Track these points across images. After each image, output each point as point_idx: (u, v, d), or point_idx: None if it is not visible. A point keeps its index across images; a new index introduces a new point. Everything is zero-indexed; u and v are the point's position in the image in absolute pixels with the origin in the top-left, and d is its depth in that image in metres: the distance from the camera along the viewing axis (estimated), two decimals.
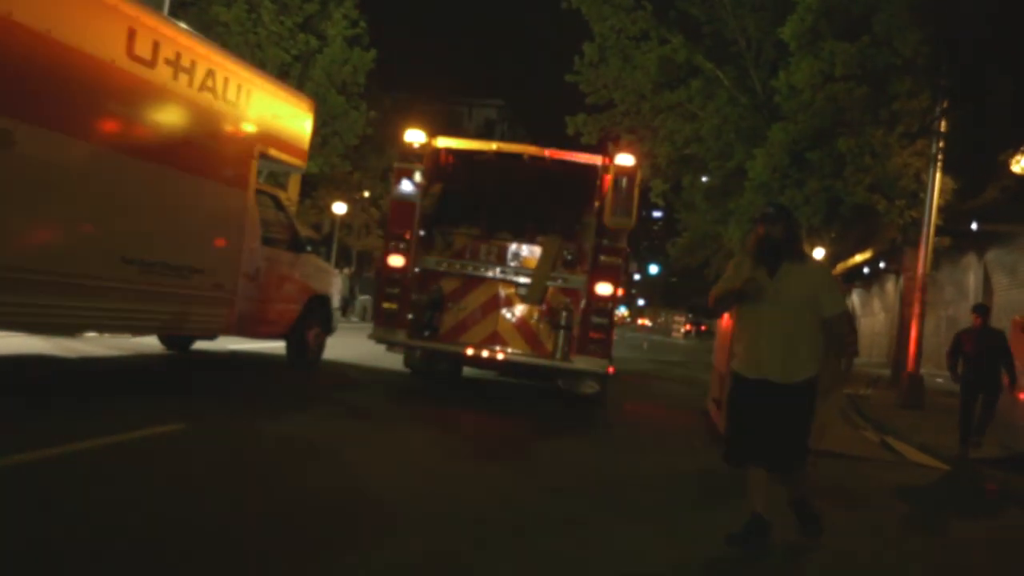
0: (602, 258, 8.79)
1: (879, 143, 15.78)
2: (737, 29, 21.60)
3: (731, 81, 21.86)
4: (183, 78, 6.33)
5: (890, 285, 36.73)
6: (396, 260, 8.72)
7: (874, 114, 16.38)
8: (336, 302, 10.05)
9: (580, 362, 8.63)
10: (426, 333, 8.70)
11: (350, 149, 28.65)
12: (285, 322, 8.73)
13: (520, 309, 8.95)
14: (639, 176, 9.06)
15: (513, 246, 9.17)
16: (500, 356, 8.65)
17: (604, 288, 8.69)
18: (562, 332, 8.66)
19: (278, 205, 8.73)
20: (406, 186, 8.85)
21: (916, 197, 15.25)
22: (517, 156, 9.50)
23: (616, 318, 9.67)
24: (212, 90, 6.73)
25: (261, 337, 8.93)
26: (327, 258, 33.14)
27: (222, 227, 7.18)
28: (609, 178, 8.67)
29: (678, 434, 9.02)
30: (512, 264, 9.11)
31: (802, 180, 17.17)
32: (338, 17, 23.38)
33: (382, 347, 8.97)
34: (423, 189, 8.89)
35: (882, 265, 32.02)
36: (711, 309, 4.68)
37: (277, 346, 9.52)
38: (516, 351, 8.77)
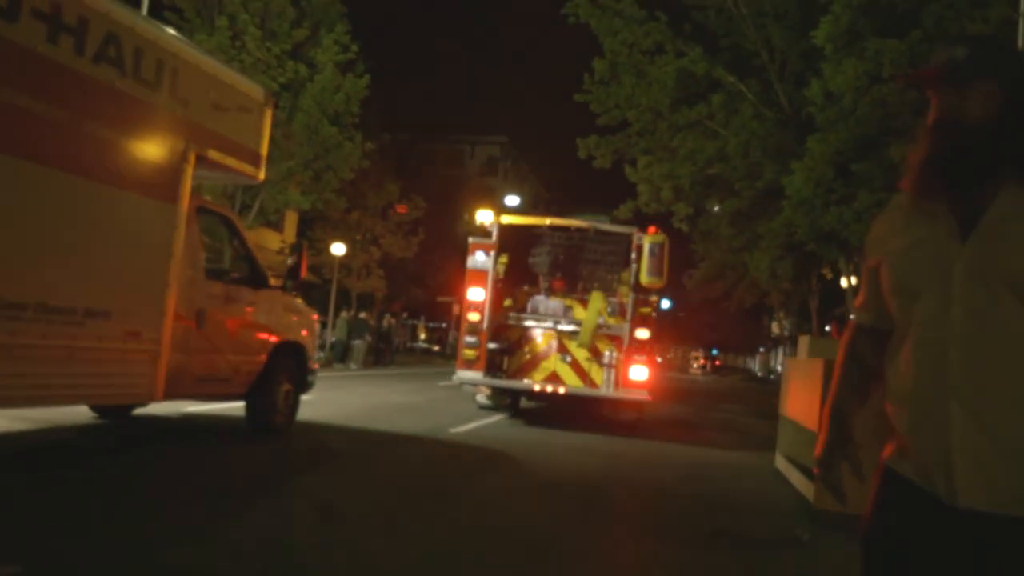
0: (640, 309, 11.03)
1: None
2: (759, 40, 19.87)
3: (755, 95, 20.10)
4: (66, 41, 4.45)
5: None
6: (474, 316, 11.07)
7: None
8: (314, 351, 8.04)
9: (624, 393, 10.79)
10: (498, 373, 11.00)
11: (346, 184, 26.95)
12: (242, 379, 6.74)
13: (574, 352, 11.04)
14: (667, 246, 11.02)
15: (567, 300, 11.43)
16: (561, 390, 10.80)
17: (642, 333, 10.92)
18: (608, 367, 10.90)
19: (231, 229, 6.78)
20: (480, 256, 11.26)
21: None
22: (566, 228, 12.05)
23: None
24: (117, 64, 4.84)
25: (208, 399, 6.97)
26: (325, 301, 31.25)
27: (139, 254, 5.19)
28: (643, 246, 10.88)
29: (770, 514, 6.93)
30: (568, 315, 11.30)
31: (850, 195, 15.21)
32: (328, 43, 21.79)
33: (378, 402, 10.36)
34: (493, 259, 11.23)
35: None
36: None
37: None
38: (572, 386, 10.89)
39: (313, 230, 31.81)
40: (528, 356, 11.14)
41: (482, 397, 11.87)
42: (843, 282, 29.17)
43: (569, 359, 11.03)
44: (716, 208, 30.23)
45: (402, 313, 39.93)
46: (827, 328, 11.69)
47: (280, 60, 20.90)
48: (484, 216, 11.57)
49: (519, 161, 71.53)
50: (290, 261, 7.09)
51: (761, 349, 69.15)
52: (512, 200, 52.88)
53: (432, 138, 53.70)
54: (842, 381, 2.01)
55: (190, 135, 5.44)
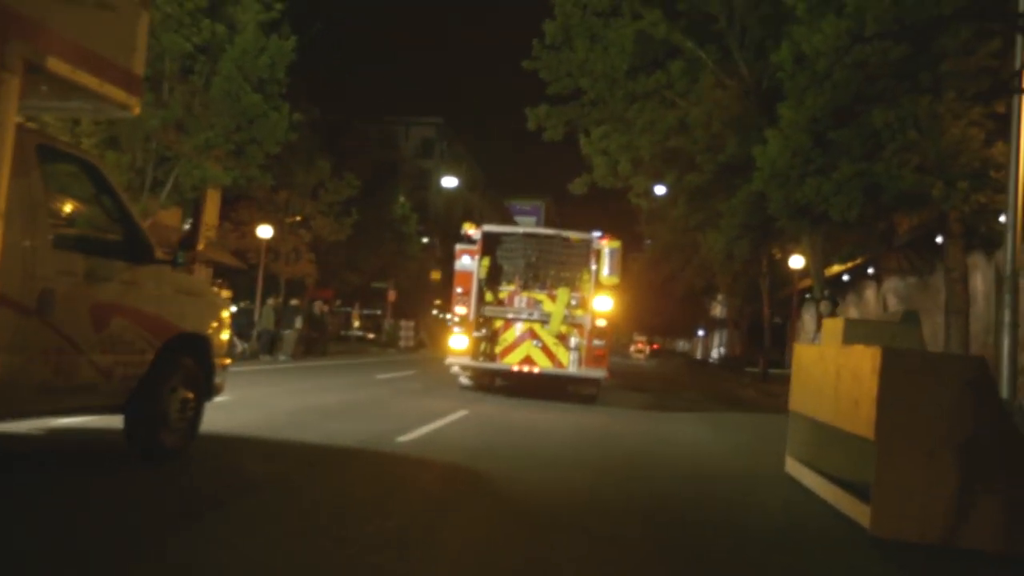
0: (598, 300, 13.15)
1: (925, 113, 12.72)
2: (718, 3, 18.58)
3: (715, 63, 18.82)
4: None
5: (870, 293, 34.28)
6: (461, 310, 13.17)
7: (913, 79, 13.38)
8: (223, 345, 6.23)
9: (587, 372, 13.03)
10: (481, 358, 13.16)
11: (272, 160, 24.73)
12: (116, 387, 4.94)
13: (544, 337, 13.13)
14: (621, 251, 13.41)
15: (538, 295, 13.45)
16: (536, 370, 13.00)
17: (601, 322, 13.09)
18: (573, 351, 13.09)
19: (96, 181, 4.93)
20: (466, 260, 13.35)
21: (982, 176, 12.18)
22: (537, 235, 14.66)
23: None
24: None
25: (66, 413, 5.14)
26: (251, 288, 28.96)
27: None
28: (600, 251, 13.19)
29: (818, 545, 5.51)
30: (539, 308, 13.33)
31: (828, 166, 14.03)
32: (249, 1, 19.60)
33: (310, 402, 10.03)
34: (477, 261, 13.33)
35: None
36: None
37: None
38: (543, 366, 13.01)
39: (237, 210, 29.43)
40: (507, 343, 13.27)
41: (463, 379, 14.07)
42: (793, 262, 28.48)
43: (540, 344, 13.17)
44: (663, 191, 29.12)
45: (335, 300, 37.75)
46: (820, 310, 10.51)
47: (194, 18, 18.62)
48: (470, 228, 14.02)
49: (455, 142, 69.58)
50: (186, 227, 5.26)
51: (700, 332, 69.11)
52: (449, 181, 51.12)
53: (365, 118, 51.39)
54: None
55: (10, 28, 3.62)
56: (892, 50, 12.94)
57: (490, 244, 13.76)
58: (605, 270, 13.06)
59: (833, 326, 6.79)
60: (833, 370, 6.21)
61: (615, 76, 19.04)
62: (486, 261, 13.53)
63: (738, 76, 18.85)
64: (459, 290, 13.25)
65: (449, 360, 13.36)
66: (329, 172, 30.18)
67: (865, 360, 5.48)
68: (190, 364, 5.69)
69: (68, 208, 4.91)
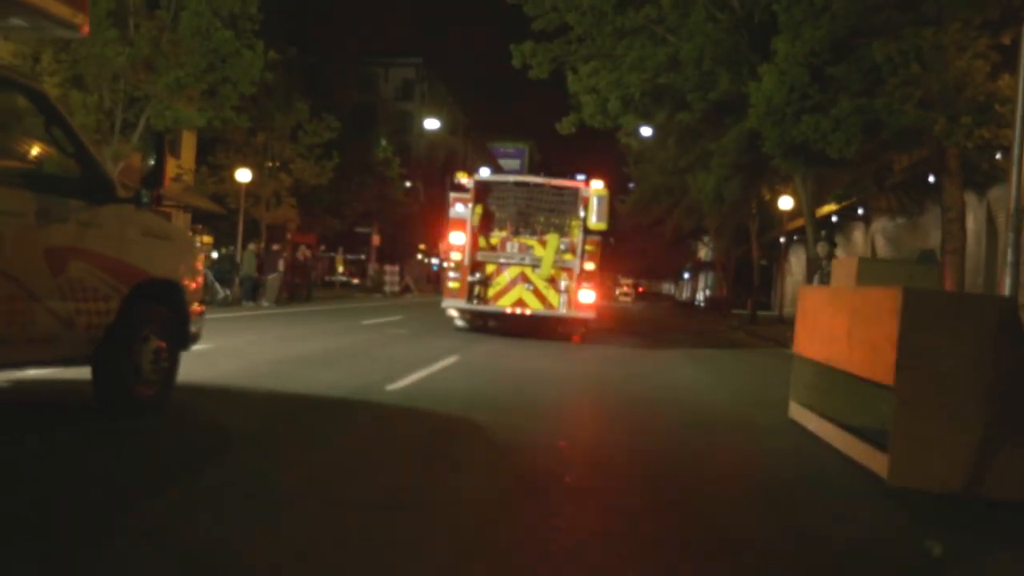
0: (587, 247, 13.70)
1: (929, 45, 12.22)
2: None
3: None
4: None
5: (858, 234, 34.09)
6: (456, 255, 13.70)
7: (916, 9, 12.85)
8: (197, 290, 5.81)
9: (576, 312, 13.65)
10: (475, 301, 13.72)
11: (248, 102, 23.87)
12: (80, 337, 4.52)
13: (536, 281, 13.70)
14: (609, 197, 13.96)
15: (529, 241, 13.90)
16: (528, 312, 13.68)
17: (589, 266, 13.69)
18: (563, 293, 13.68)
19: (44, 110, 4.41)
20: (459, 207, 13.81)
21: (987, 111, 11.76)
22: (527, 183, 14.70)
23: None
24: None
25: (25, 365, 4.74)
26: (232, 233, 28.31)
27: None
28: (588, 198, 13.66)
29: (835, 497, 5.27)
30: (530, 252, 13.80)
31: (826, 102, 13.55)
32: None
33: (293, 350, 9.79)
34: (471, 209, 13.76)
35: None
36: None
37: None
38: (534, 308, 13.67)
39: (214, 154, 28.61)
40: (500, 286, 13.86)
41: (459, 321, 14.84)
42: (782, 203, 28.14)
43: (532, 287, 13.79)
44: (650, 132, 28.51)
45: (318, 245, 37.13)
46: (817, 252, 10.15)
47: None
48: (462, 177, 14.37)
49: (436, 84, 68.01)
50: (151, 162, 4.77)
51: (686, 275, 69.11)
52: (431, 123, 49.99)
53: (343, 60, 49.91)
54: None
55: None
56: None
57: (482, 192, 14.20)
58: (593, 217, 13.61)
59: (845, 266, 6.46)
60: (846, 313, 5.89)
61: (603, 9, 18.30)
62: (479, 208, 13.98)
63: (729, 9, 18.17)
64: (453, 237, 13.85)
65: (445, 303, 14.10)
66: (308, 114, 29.27)
67: (884, 301, 5.16)
68: (162, 311, 5.28)
69: (14, 143, 4.41)
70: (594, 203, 13.58)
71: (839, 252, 36.51)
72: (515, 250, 13.87)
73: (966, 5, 12.32)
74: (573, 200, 13.99)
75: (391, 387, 7.22)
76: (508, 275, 13.77)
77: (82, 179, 4.55)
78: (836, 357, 6.10)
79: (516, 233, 14.05)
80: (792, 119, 13.82)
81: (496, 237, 14.02)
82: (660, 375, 10.23)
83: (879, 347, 5.17)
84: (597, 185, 13.77)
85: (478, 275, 13.72)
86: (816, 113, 13.43)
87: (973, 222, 22.92)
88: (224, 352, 8.93)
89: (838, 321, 6.04)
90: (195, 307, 5.81)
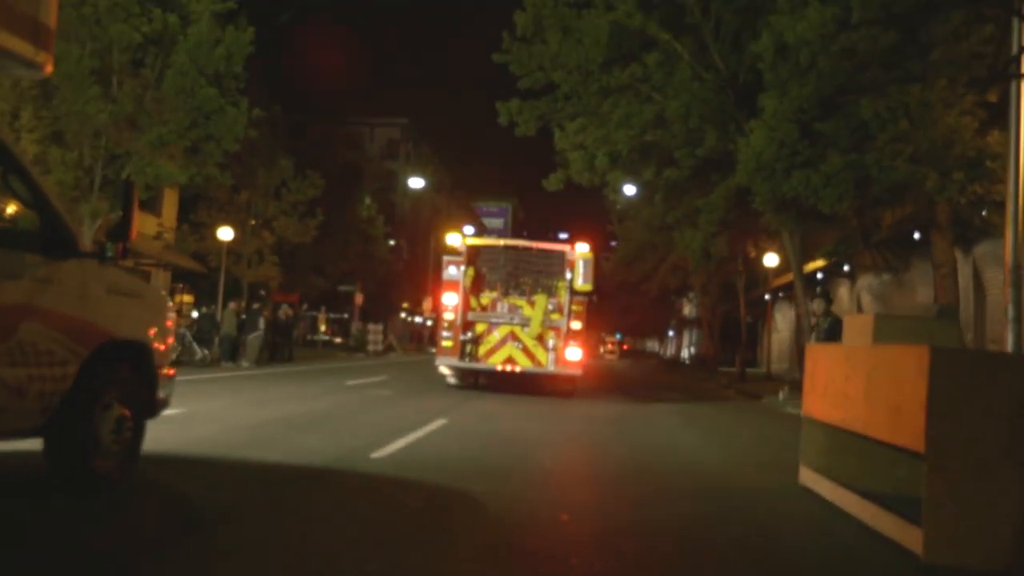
0: (574, 307, 14.41)
1: (916, 102, 12.22)
2: None
3: (691, 55, 18.23)
4: None
5: (843, 291, 34.06)
6: (449, 315, 14.23)
7: (902, 68, 12.89)
8: (167, 353, 5.38)
9: (564, 369, 14.24)
10: (467, 359, 14.23)
11: (231, 159, 23.68)
12: (32, 406, 4.06)
13: (524, 340, 14.25)
14: (594, 259, 14.68)
15: (518, 301, 14.50)
16: (517, 369, 14.22)
17: (576, 325, 14.36)
18: (551, 352, 14.25)
19: (2, 158, 4.03)
20: (452, 269, 14.39)
21: (978, 166, 11.69)
22: (516, 247, 15.28)
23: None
24: None
25: None
26: (213, 292, 27.78)
27: None
28: (575, 261, 14.42)
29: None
30: (519, 312, 14.39)
31: (815, 157, 13.48)
32: None
33: (273, 413, 9.26)
34: (463, 271, 14.40)
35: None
36: None
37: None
38: (523, 365, 14.21)
39: (196, 212, 28.29)
40: (490, 344, 14.36)
41: (451, 378, 15.32)
42: (767, 260, 28.10)
43: (521, 346, 14.35)
44: (634, 191, 28.50)
45: (301, 304, 36.61)
46: (812, 305, 9.82)
47: (144, 7, 17.61)
48: (455, 239, 15.10)
49: (420, 143, 68.58)
50: (120, 213, 4.40)
51: (670, 332, 68.90)
52: (416, 182, 50.13)
53: (329, 119, 50.25)
54: None
55: None
56: (881, 37, 12.42)
57: (474, 255, 14.96)
58: (580, 279, 14.39)
59: (858, 323, 6.14)
60: (862, 372, 5.54)
61: (589, 68, 18.36)
62: (471, 270, 14.66)
63: (714, 69, 18.30)
64: (447, 298, 14.45)
65: (438, 360, 14.73)
66: (292, 171, 29.13)
67: (908, 360, 4.82)
68: (126, 376, 4.84)
69: None
70: (580, 265, 14.37)
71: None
72: (505, 310, 14.49)
73: (950, 64, 12.38)
74: (560, 262, 14.81)
75: (377, 454, 6.75)
76: (498, 334, 14.33)
77: (40, 232, 4.16)
78: (852, 420, 5.73)
79: (506, 294, 14.67)
80: (782, 175, 13.73)
81: (487, 298, 14.62)
82: (658, 437, 9.79)
83: (904, 410, 4.81)
84: (582, 248, 14.55)
85: (470, 334, 14.27)
86: (806, 169, 13.34)
87: (961, 278, 22.85)
88: (199, 416, 8.43)
89: (854, 382, 5.68)
90: (165, 371, 5.37)
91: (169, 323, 5.47)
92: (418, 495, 5.39)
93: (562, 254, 14.82)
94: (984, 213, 14.65)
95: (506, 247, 15.39)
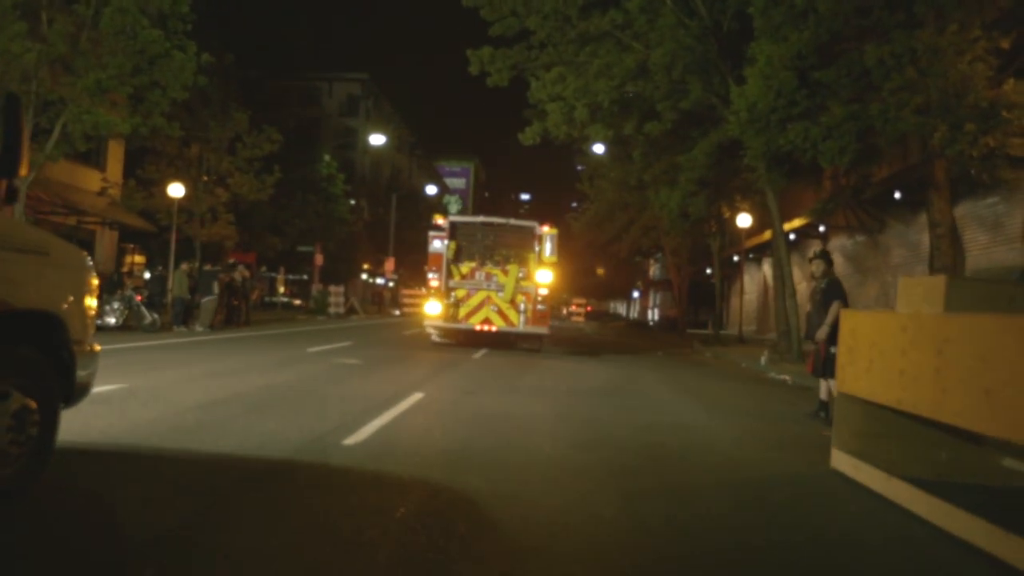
0: (540, 274, 16.53)
1: (924, 48, 11.36)
2: None
3: (673, 1, 17.16)
4: None
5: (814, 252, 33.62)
6: (434, 282, 16.56)
7: (907, 10, 12.01)
8: (87, 325, 4.31)
9: (533, 329, 16.67)
10: (451, 320, 16.53)
11: (181, 110, 22.09)
12: None
13: (499, 303, 16.52)
14: (557, 236, 16.92)
15: (493, 270, 16.76)
16: (493, 328, 16.50)
17: (543, 290, 16.57)
18: (522, 313, 16.51)
19: None
20: (437, 243, 16.64)
21: (991, 117, 10.90)
22: (492, 223, 17.83)
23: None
24: None
25: None
26: (164, 252, 26.22)
27: None
28: (542, 235, 16.72)
29: None
30: (494, 280, 16.66)
31: (815, 108, 12.60)
32: None
33: (227, 388, 8.21)
34: (446, 244, 16.62)
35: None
36: None
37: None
38: (499, 325, 16.51)
39: (144, 167, 26.60)
40: (470, 307, 16.50)
41: (436, 336, 17.80)
42: (740, 221, 27.39)
43: (496, 308, 16.45)
44: (603, 149, 27.47)
45: (258, 264, 35.07)
46: (811, 264, 9.06)
47: None
48: (439, 219, 16.94)
49: (381, 100, 66.40)
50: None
51: (635, 294, 68.58)
52: (377, 139, 48.34)
53: (285, 73, 48.06)
54: None
55: None
56: None
57: (455, 230, 17.26)
58: (546, 251, 16.60)
59: (922, 287, 5.26)
60: (931, 345, 4.68)
61: (567, 14, 17.21)
62: (452, 244, 16.93)
63: (697, 17, 17.27)
64: (432, 268, 16.56)
65: (426, 323, 17.06)
66: (247, 125, 27.47)
67: (1005, 335, 3.96)
68: (30, 357, 3.76)
69: None
70: (547, 240, 16.62)
71: (796, 271, 36.17)
72: (482, 278, 16.64)
73: (959, 6, 11.52)
74: (529, 236, 17.11)
75: (349, 440, 5.76)
76: (477, 299, 16.52)
77: None
78: (914, 400, 4.89)
79: (483, 264, 16.93)
80: (778, 127, 12.83)
81: (466, 267, 16.75)
82: (656, 413, 8.94)
83: (997, 393, 3.97)
84: (549, 228, 16.93)
85: (452, 298, 16.46)
86: (804, 120, 12.45)
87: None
88: (140, 394, 7.33)
89: (918, 355, 4.83)
90: (86, 347, 4.29)
91: (91, 287, 4.38)
92: (404, 498, 4.42)
93: (531, 229, 17.11)
94: (978, 170, 13.96)
95: (483, 223, 17.88)
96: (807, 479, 5.82)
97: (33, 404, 3.75)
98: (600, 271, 55.87)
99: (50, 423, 3.95)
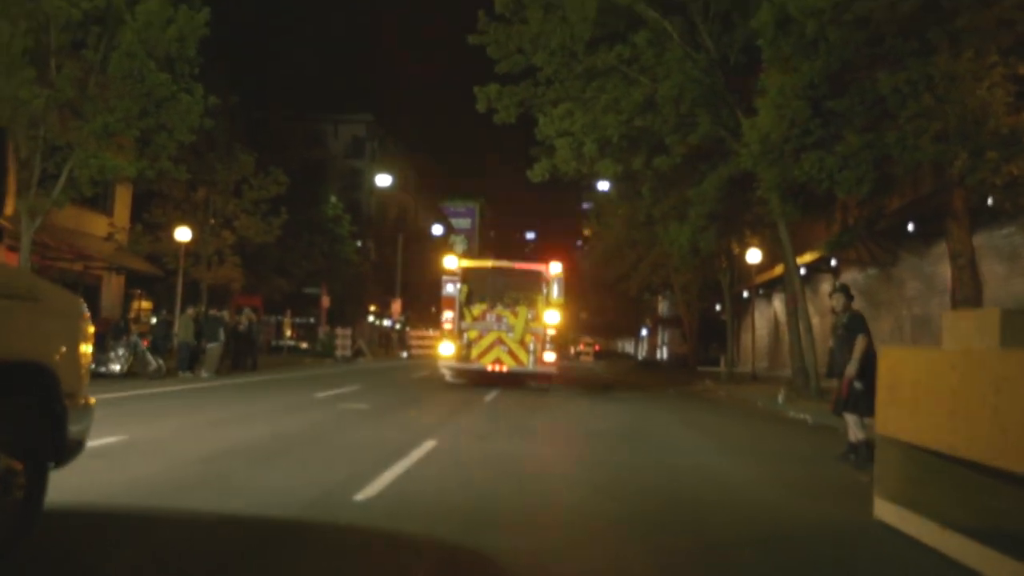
0: (549, 315, 17.26)
1: (941, 75, 11.17)
2: None
3: (680, 36, 17.11)
4: None
5: (826, 286, 33.28)
6: (448, 324, 17.10)
7: (921, 38, 11.85)
8: (80, 377, 4.01)
9: (542, 368, 17.23)
10: (463, 361, 17.08)
11: (188, 154, 22.02)
12: None
13: (510, 344, 17.07)
14: (564, 277, 17.66)
15: (503, 312, 17.44)
16: (504, 368, 17.03)
17: (551, 331, 17.30)
18: (531, 353, 17.09)
19: None
20: (450, 287, 17.25)
21: (1013, 145, 10.64)
22: (502, 267, 19.06)
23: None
24: None
25: None
26: (170, 296, 26.02)
27: None
28: (549, 278, 17.51)
29: None
30: (504, 321, 17.30)
31: (829, 138, 12.38)
32: None
33: (231, 439, 7.78)
34: (458, 288, 17.22)
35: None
36: None
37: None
38: (509, 365, 17.05)
39: (151, 211, 26.54)
40: (481, 348, 16.97)
41: (450, 376, 18.14)
42: (750, 257, 27.10)
43: (506, 349, 16.96)
44: (607, 187, 27.30)
45: (264, 308, 34.85)
46: (831, 298, 8.72)
47: None
48: (451, 262, 17.55)
49: (387, 141, 66.82)
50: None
51: (643, 332, 68.05)
52: (383, 180, 48.52)
53: (291, 115, 48.41)
54: None
55: None
56: (900, 3, 11.36)
57: (466, 275, 17.90)
58: (554, 293, 17.31)
59: (972, 320, 4.94)
60: (987, 383, 4.34)
61: (573, 49, 17.16)
62: (464, 287, 17.54)
63: (704, 50, 17.21)
64: (446, 310, 17.22)
65: (440, 363, 17.77)
66: (253, 168, 27.47)
67: None
68: (15, 411, 3.45)
69: None
70: (554, 283, 17.28)
71: (810, 306, 35.80)
72: (493, 319, 17.21)
73: (974, 32, 11.35)
74: (537, 279, 17.92)
75: (360, 496, 5.40)
76: (488, 339, 17.03)
77: None
78: (968, 444, 4.53)
79: (493, 306, 17.48)
80: (792, 157, 12.60)
81: (478, 309, 17.37)
82: (678, 456, 8.55)
83: None
84: (556, 268, 17.37)
85: (465, 339, 16.99)
86: (819, 150, 12.22)
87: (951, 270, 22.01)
88: (140, 446, 7.01)
89: (972, 395, 4.48)
90: (79, 400, 3.98)
91: (85, 335, 4.09)
92: (423, 561, 4.06)
93: (539, 272, 17.92)
94: (989, 200, 13.69)
95: (493, 268, 18.98)
96: (849, 531, 5.43)
97: (18, 465, 3.43)
98: (607, 307, 55.40)
99: (37, 484, 3.63)
